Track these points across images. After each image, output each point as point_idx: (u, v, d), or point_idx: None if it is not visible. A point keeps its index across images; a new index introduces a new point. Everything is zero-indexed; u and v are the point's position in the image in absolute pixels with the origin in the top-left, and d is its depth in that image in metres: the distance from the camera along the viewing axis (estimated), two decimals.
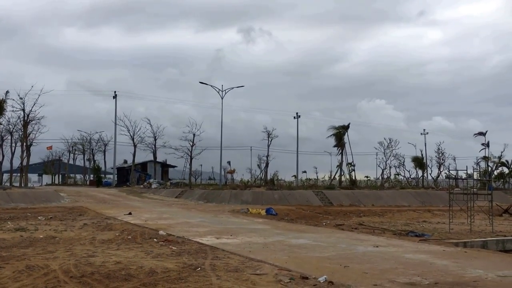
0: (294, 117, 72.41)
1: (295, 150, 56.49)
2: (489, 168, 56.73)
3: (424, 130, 68.24)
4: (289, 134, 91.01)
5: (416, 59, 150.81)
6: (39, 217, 20.19)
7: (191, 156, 46.71)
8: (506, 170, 59.27)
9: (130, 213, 22.20)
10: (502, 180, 54.98)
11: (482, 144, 60.90)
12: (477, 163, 55.87)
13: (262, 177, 53.41)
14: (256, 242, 13.12)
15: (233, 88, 47.80)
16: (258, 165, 59.89)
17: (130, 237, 13.91)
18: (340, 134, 49.00)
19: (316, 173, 74.30)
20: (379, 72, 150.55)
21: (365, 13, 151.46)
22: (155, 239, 13.31)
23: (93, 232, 15.10)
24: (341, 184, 48.07)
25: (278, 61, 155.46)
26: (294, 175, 72.69)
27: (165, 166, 67.66)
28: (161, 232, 14.94)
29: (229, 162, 66.55)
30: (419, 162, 57.90)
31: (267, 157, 53.19)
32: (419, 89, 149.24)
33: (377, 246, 12.66)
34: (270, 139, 53.63)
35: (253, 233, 15.36)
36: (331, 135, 49.59)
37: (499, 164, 59.37)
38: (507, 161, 59.99)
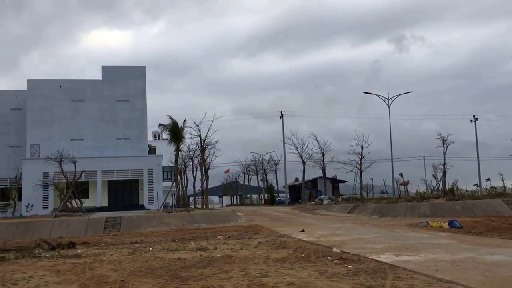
0: (471, 120, 66.24)
1: (471, 157, 51.15)
2: None
3: None
4: (461, 140, 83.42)
5: None
6: (218, 237, 21.07)
7: (360, 170, 45.26)
8: None
9: (303, 230, 21.95)
10: None
11: None
12: None
13: (440, 187, 49.22)
14: (442, 259, 11.56)
15: (400, 95, 45.36)
16: (433, 175, 55.50)
17: (303, 255, 13.46)
18: None
19: (503, 180, 66.22)
20: None
21: None
22: (329, 257, 12.63)
23: (267, 251, 15.03)
24: None
25: (442, 65, 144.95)
26: (476, 184, 65.83)
27: (335, 182, 67.07)
28: (335, 249, 14.22)
29: (401, 174, 63.03)
30: None
31: (443, 165, 48.87)
32: None
33: None
34: (445, 146, 49.34)
35: (437, 249, 13.70)
36: None
37: None
38: None
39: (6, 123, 47.24)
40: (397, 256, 12.49)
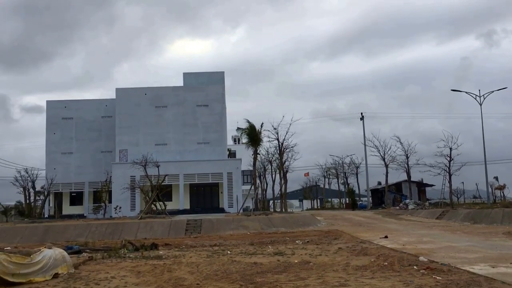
0: None
1: None
2: None
3: None
4: None
5: None
6: (296, 241, 20.52)
7: (449, 173, 42.51)
8: None
9: (386, 237, 20.79)
10: None
11: None
12: None
13: None
14: None
15: (493, 91, 42.19)
16: None
17: (386, 263, 12.54)
18: None
19: None
20: None
21: None
22: (415, 267, 11.64)
23: (347, 257, 14.25)
24: None
25: None
26: None
27: (421, 186, 63.99)
28: (421, 258, 13.14)
29: (496, 178, 58.81)
30: None
31: None
32: None
33: None
34: None
35: None
36: None
37: None
38: None
39: (97, 130, 50.00)
40: (493, 267, 11.22)
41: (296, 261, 13.78)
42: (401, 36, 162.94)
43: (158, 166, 36.27)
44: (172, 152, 46.65)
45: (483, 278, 9.72)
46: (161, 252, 17.61)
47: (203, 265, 13.29)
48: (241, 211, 37.53)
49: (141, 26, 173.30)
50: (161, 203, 36.12)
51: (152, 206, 36.00)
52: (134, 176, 41.59)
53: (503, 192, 54.02)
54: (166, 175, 38.11)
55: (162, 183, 37.22)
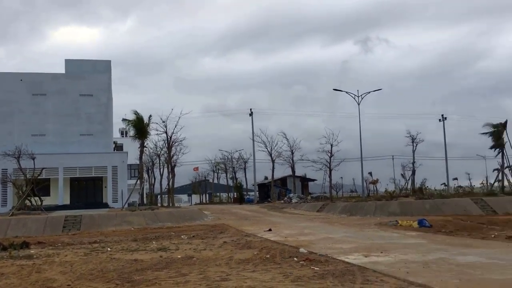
0: (440, 119, 66.94)
1: (438, 157, 51.69)
2: None
3: None
4: (429, 140, 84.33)
5: None
6: (182, 236, 20.17)
7: (330, 168, 44.93)
8: None
9: (270, 230, 21.25)
10: None
11: None
12: None
13: (409, 186, 49.47)
14: (413, 261, 11.00)
15: (369, 92, 45.31)
16: (402, 174, 55.90)
17: (268, 256, 12.71)
18: (498, 132, 43.13)
19: (469, 179, 67.48)
20: None
21: (507, 2, 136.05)
22: (295, 258, 11.92)
23: (231, 251, 14.24)
24: (503, 190, 42.20)
25: (408, 66, 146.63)
26: (444, 183, 66.75)
27: (304, 180, 66.90)
28: (301, 249, 13.54)
29: (370, 173, 63.42)
30: None
31: (413, 164, 49.19)
32: None
33: None
34: (415, 145, 49.68)
35: (408, 249, 13.18)
36: (488, 133, 43.82)
37: None
38: None
39: None
40: (366, 257, 11.88)
41: (179, 256, 13.45)
42: (290, 38, 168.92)
43: (33, 158, 33.54)
44: (51, 143, 43.41)
45: (357, 268, 10.20)
46: (32, 251, 16.20)
47: (78, 264, 12.42)
48: (126, 206, 36.14)
49: (20, 9, 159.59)
50: (36, 198, 33.48)
51: (27, 201, 33.24)
52: (6, 169, 38.02)
53: (376, 186, 58.44)
54: (43, 168, 35.43)
55: (39, 177, 34.53)
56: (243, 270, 10.48)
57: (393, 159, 74.22)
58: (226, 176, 77.69)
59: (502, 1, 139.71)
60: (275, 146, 59.42)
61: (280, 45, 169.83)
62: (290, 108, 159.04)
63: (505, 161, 44.08)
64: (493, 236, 18.29)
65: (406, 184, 52.11)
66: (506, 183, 44.75)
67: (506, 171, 45.13)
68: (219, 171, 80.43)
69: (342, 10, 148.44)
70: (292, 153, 59.35)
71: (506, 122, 44.56)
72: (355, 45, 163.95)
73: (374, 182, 58.31)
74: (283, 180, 67.65)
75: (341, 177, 67.94)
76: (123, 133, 68.43)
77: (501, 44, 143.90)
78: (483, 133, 44.40)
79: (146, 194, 60.26)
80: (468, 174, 69.12)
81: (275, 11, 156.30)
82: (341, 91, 45.93)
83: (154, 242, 18.06)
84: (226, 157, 74.53)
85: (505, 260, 10.66)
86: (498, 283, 8.24)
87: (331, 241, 16.20)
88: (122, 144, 60.21)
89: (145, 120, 37.96)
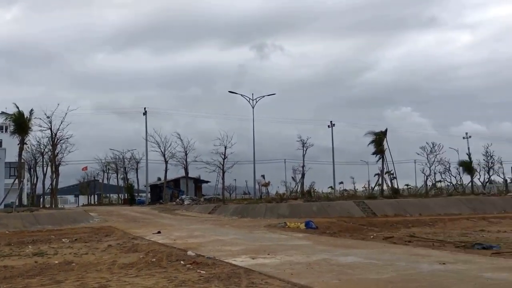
0: (329, 126, 70.33)
1: (327, 161, 54.34)
2: None
3: (466, 133, 65.01)
4: (319, 146, 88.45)
5: (446, 64, 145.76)
6: (63, 240, 18.89)
7: (223, 170, 45.07)
8: None
9: (159, 232, 20.66)
10: None
11: None
12: None
13: (298, 189, 51.27)
14: (298, 262, 11.23)
15: (264, 96, 46.31)
16: (292, 177, 57.84)
17: (154, 259, 12.25)
18: (379, 140, 46.36)
19: (354, 183, 71.69)
20: (407, 79, 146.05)
21: (392, 19, 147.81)
22: (182, 261, 11.61)
23: (116, 255, 13.54)
24: (383, 193, 45.43)
25: (302, 74, 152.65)
26: (331, 186, 70.29)
27: (198, 182, 66.46)
28: (189, 252, 13.26)
29: (263, 176, 64.78)
30: (467, 167, 54.41)
31: (302, 168, 51.05)
32: (449, 95, 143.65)
33: (444, 263, 10.57)
34: (305, 149, 51.59)
35: (294, 251, 13.48)
36: (371, 141, 46.92)
37: None
38: None
39: None
40: (253, 259, 11.91)
41: (56, 262, 12.48)
42: (188, 39, 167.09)
43: None
44: None
45: (243, 270, 10.15)
46: None
47: None
48: (2, 207, 33.11)
49: None
50: None
51: None
52: None
53: (267, 189, 59.83)
54: None
55: None
56: (125, 275, 9.95)
57: (285, 162, 76.49)
58: (117, 176, 74.71)
59: (387, 18, 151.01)
60: (169, 146, 58.37)
61: (178, 45, 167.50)
62: (186, 109, 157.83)
63: (385, 167, 47.46)
64: (372, 237, 19.47)
65: (296, 187, 54.06)
66: (385, 187, 48.23)
67: (386, 176, 48.67)
68: (110, 171, 77.09)
69: (240, 15, 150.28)
70: (186, 154, 58.73)
71: (386, 130, 48.02)
72: (251, 50, 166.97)
73: (266, 185, 59.63)
74: (176, 181, 66.65)
75: (235, 179, 68.57)
76: (4, 128, 62.92)
77: (385, 58, 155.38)
78: (369, 143, 47.40)
79: (28, 194, 55.91)
80: (353, 178, 73.47)
81: (174, 10, 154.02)
82: (236, 93, 46.47)
83: (30, 247, 16.70)
84: (117, 157, 71.65)
85: (381, 260, 11.28)
86: (374, 282, 8.63)
87: (221, 243, 16.11)
88: (1, 140, 55.30)
89: (26, 114, 35.03)
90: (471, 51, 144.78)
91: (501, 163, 57.33)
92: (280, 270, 10.07)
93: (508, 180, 59.92)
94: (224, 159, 44.60)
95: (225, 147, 44.60)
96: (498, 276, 8.90)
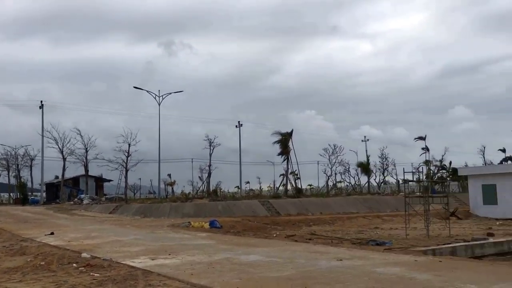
0: (236, 126, 70.77)
1: (234, 161, 54.67)
2: (431, 172, 57.36)
3: (365, 137, 68.67)
4: (226, 146, 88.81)
5: (348, 70, 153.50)
6: None
7: (126, 168, 43.44)
8: (446, 174, 60.16)
9: (52, 233, 19.27)
10: (443, 183, 55.55)
11: (422, 149, 61.86)
12: (417, 168, 56.24)
13: (205, 189, 51.00)
14: (199, 262, 10.96)
15: (170, 93, 45.43)
16: (199, 176, 57.45)
17: (43, 263, 11.31)
18: (285, 141, 47.50)
19: (260, 183, 72.82)
20: (312, 84, 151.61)
21: (298, 26, 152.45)
22: (74, 264, 10.83)
23: (0, 259, 12.34)
24: (287, 193, 46.56)
25: (211, 73, 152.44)
26: (237, 186, 70.76)
27: (99, 181, 63.55)
28: (84, 254, 12.43)
29: (169, 175, 63.61)
30: (365, 168, 57.62)
31: (209, 167, 50.85)
32: (350, 100, 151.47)
33: (341, 260, 10.88)
34: (212, 148, 51.35)
35: (196, 250, 13.18)
36: (277, 141, 47.95)
37: (440, 168, 60.29)
38: (445, 165, 61.12)
39: None
40: (153, 260, 11.44)
41: None
42: (93, 32, 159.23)
43: None
44: None
45: (141, 272, 9.67)
46: None
47: None
48: None
49: None
50: None
51: None
52: None
53: (173, 188, 58.92)
54: None
55: None
56: (8, 280, 9.05)
57: (192, 162, 75.75)
58: (8, 174, 69.10)
59: (294, 24, 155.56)
60: (68, 143, 55.13)
61: (81, 37, 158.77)
62: (89, 104, 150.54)
63: (289, 167, 48.73)
64: (274, 235, 19.77)
65: (203, 186, 53.75)
66: (289, 187, 49.52)
67: (290, 176, 50.01)
68: (0, 169, 71.24)
69: (147, 10, 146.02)
70: (87, 151, 55.84)
71: (292, 131, 49.41)
72: (159, 47, 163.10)
73: (171, 184, 58.63)
74: (76, 180, 63.16)
75: (140, 179, 66.67)
76: None
77: (291, 62, 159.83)
78: (274, 142, 48.38)
79: None
80: (259, 178, 74.49)
81: (78, 1, 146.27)
82: (142, 89, 45.18)
83: None
84: (9, 153, 66.37)
85: (282, 258, 11.36)
86: (275, 280, 8.61)
87: (119, 244, 15.36)
88: None
89: None
90: (370, 59, 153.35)
91: (394, 165, 61.56)
92: (180, 270, 9.73)
93: (400, 181, 64.35)
94: (127, 157, 43.02)
95: (129, 145, 43.05)
96: (389, 271, 9.29)
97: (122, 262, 11.09)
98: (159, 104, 43.76)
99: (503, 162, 59.14)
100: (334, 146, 56.18)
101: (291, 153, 48.59)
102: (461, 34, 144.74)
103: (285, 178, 50.51)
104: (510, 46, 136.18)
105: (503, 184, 33.62)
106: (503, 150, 63.98)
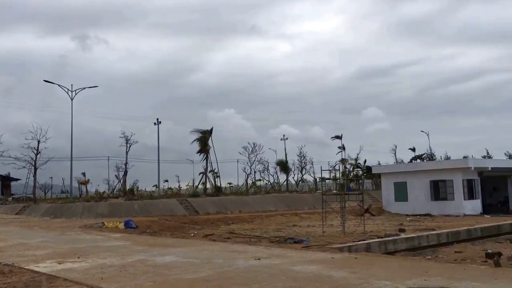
0: (155, 123, 68.96)
1: (152, 159, 53.28)
2: (347, 170, 59.50)
3: (284, 135, 69.79)
4: (144, 144, 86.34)
5: (267, 70, 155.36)
6: None
7: (35, 166, 40.78)
8: (360, 172, 62.71)
9: None
10: (358, 181, 57.78)
11: (339, 148, 63.86)
12: (334, 166, 58.16)
13: (121, 188, 49.22)
14: (111, 265, 10.38)
15: (84, 88, 43.21)
16: (116, 175, 55.36)
17: None
18: (204, 138, 47.02)
19: (179, 182, 71.70)
20: (232, 82, 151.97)
21: (218, 25, 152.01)
22: None
23: None
24: (206, 192, 46.15)
25: (129, 69, 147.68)
26: (155, 185, 69.12)
27: (6, 180, 59.25)
28: None
29: (83, 174, 60.70)
30: (284, 166, 58.57)
31: (125, 165, 49.08)
32: (269, 99, 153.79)
33: (258, 259, 10.79)
34: (128, 146, 49.58)
35: (108, 252, 12.52)
36: (196, 139, 47.33)
37: (355, 166, 62.66)
38: (359, 163, 63.67)
39: None
40: (60, 263, 10.69)
41: None
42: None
43: None
44: None
45: (46, 277, 8.97)
46: None
47: None
48: None
49: None
50: None
51: None
52: None
53: (87, 188, 56.33)
54: None
55: None
56: None
57: (108, 160, 72.83)
58: None
59: (215, 22, 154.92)
60: None
61: None
62: None
63: (209, 165, 48.32)
64: (192, 235, 19.40)
65: (119, 184, 51.85)
66: (209, 185, 49.12)
67: (210, 174, 49.61)
68: None
69: (59, 1, 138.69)
70: None
71: (211, 129, 48.96)
72: (72, 41, 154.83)
73: (85, 183, 55.99)
74: None
75: (51, 177, 62.98)
76: None
77: (211, 61, 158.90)
78: (193, 141, 47.68)
79: None
80: (178, 176, 73.27)
81: None
82: (53, 83, 42.52)
83: None
84: None
85: (199, 258, 11.06)
86: (190, 281, 8.31)
87: (24, 247, 14.30)
88: None
89: None
90: (289, 60, 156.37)
91: (312, 163, 63.12)
92: (89, 275, 9.14)
93: (318, 179, 66.27)
94: (36, 154, 40.36)
95: (38, 141, 40.42)
96: (307, 269, 9.32)
97: (25, 267, 10.27)
98: (71, 99, 41.46)
99: (413, 161, 62.48)
100: (254, 144, 56.61)
101: (211, 151, 48.19)
102: (375, 39, 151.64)
103: (204, 177, 50.04)
104: (419, 51, 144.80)
105: (413, 182, 35.53)
106: (413, 149, 67.45)
